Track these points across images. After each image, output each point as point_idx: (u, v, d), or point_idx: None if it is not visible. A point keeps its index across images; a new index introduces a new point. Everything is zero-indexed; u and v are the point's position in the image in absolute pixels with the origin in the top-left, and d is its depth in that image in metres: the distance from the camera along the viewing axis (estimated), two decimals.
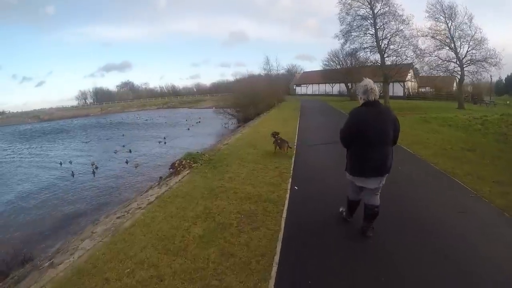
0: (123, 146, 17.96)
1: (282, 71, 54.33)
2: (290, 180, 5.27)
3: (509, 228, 3.34)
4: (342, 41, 24.79)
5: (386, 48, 22.86)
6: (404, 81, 36.54)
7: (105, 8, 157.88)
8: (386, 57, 23.06)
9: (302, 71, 63.13)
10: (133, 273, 2.76)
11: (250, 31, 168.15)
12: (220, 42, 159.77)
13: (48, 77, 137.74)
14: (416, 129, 10.88)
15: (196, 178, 5.72)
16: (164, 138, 19.60)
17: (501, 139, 8.47)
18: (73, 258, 3.35)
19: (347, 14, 23.62)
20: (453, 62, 22.15)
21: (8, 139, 29.31)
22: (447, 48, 22.05)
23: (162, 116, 43.18)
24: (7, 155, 19.69)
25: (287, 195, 4.53)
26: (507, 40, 55.60)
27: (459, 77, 22.66)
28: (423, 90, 39.65)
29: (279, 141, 7.29)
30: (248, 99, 23.35)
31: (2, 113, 63.87)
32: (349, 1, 23.28)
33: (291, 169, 6.05)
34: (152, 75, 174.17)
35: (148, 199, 4.94)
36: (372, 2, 22.50)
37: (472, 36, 21.07)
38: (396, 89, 36.62)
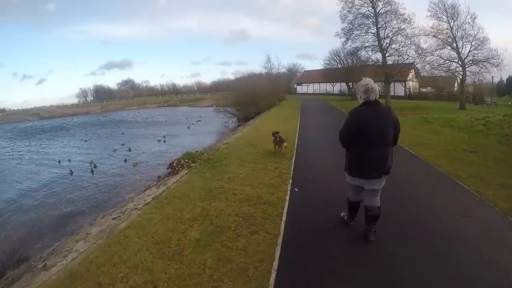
0: (123, 144, 17.91)
1: (283, 70, 54.32)
2: (290, 181, 5.17)
3: None
4: (343, 39, 24.74)
5: (387, 47, 22.73)
6: (405, 81, 36.41)
7: (106, 5, 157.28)
8: (388, 56, 22.95)
9: (303, 70, 62.96)
10: (126, 278, 2.67)
11: (251, 30, 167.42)
12: (220, 40, 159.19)
13: (49, 75, 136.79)
14: (418, 129, 10.78)
15: (194, 178, 5.62)
16: (164, 137, 19.54)
17: (504, 141, 8.36)
18: (66, 260, 3.27)
19: (349, 12, 23.53)
20: (455, 62, 22.03)
21: (7, 137, 29.25)
22: (449, 47, 21.94)
23: (162, 114, 43.13)
24: (6, 152, 19.65)
25: (287, 197, 4.42)
26: (506, 41, 55.22)
27: (460, 77, 22.53)
28: (424, 90, 39.52)
29: (277, 139, 7.28)
30: (249, 98, 23.23)
31: (3, 110, 63.70)
32: None
33: (291, 169, 5.95)
34: (153, 73, 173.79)
35: (145, 200, 4.85)
36: (374, 1, 22.35)
37: (475, 36, 20.95)
38: (398, 89, 36.54)
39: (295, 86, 57.52)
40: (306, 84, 55.11)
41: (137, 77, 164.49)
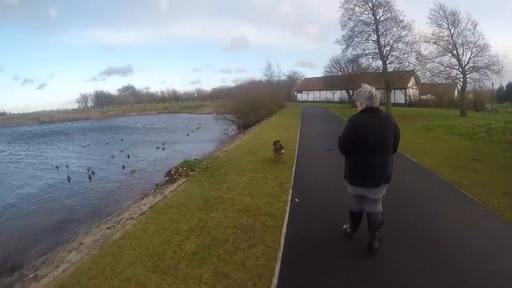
0: (121, 151, 17.77)
1: (283, 78, 54.48)
2: (291, 191, 5.04)
3: None
4: (343, 46, 24.90)
5: (388, 54, 22.81)
6: (405, 88, 36.47)
7: (107, 11, 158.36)
8: (388, 63, 23.01)
9: (303, 78, 63.27)
10: None
11: (251, 37, 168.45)
12: (221, 47, 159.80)
13: (50, 80, 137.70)
14: (419, 137, 10.69)
15: (192, 187, 5.50)
16: (163, 144, 19.40)
17: (507, 148, 8.28)
18: (58, 271, 3.17)
19: (349, 19, 23.74)
20: (455, 68, 22.10)
21: (6, 140, 29.15)
22: (450, 54, 22.03)
23: (162, 121, 43.13)
24: (4, 156, 19.55)
25: (287, 208, 4.28)
26: (507, 47, 55.58)
27: (461, 84, 22.56)
28: (424, 97, 39.61)
29: (278, 147, 7.22)
30: (249, 105, 23.18)
31: (3, 114, 63.82)
32: (351, 6, 23.36)
33: (292, 178, 5.82)
34: (153, 80, 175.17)
35: (141, 209, 4.72)
36: (374, 8, 22.51)
37: (475, 43, 21.05)
38: (398, 96, 36.58)
39: (295, 94, 57.73)
40: (307, 91, 55.29)
41: (138, 83, 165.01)
